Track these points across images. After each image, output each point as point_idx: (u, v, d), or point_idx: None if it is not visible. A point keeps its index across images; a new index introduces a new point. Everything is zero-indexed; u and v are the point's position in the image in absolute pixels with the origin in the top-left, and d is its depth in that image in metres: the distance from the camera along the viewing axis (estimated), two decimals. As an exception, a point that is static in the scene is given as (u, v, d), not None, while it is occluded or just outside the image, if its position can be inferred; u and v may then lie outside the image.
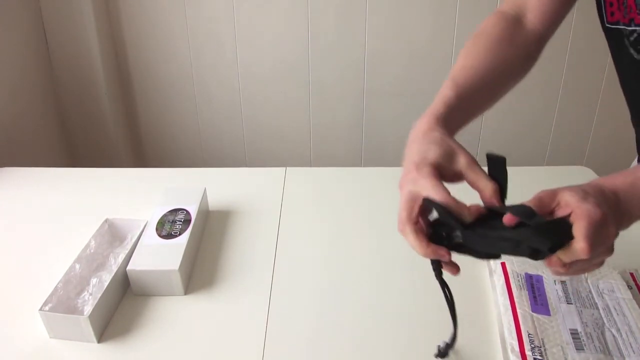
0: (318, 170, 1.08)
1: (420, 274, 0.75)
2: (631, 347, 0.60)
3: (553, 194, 0.47)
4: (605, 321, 0.63)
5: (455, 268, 0.50)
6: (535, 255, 0.45)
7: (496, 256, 0.48)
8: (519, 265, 0.73)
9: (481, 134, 1.60)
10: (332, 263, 0.78)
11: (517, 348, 0.60)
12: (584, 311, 0.65)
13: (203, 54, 1.53)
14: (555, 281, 0.70)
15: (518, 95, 1.53)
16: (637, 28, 0.59)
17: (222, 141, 1.68)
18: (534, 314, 0.64)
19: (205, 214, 0.88)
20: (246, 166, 1.70)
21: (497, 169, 0.50)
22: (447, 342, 0.59)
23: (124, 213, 0.84)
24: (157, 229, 0.77)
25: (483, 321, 0.67)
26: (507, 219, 0.45)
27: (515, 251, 0.45)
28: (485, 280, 0.73)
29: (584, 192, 0.46)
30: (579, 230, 0.44)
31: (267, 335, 0.65)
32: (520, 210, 0.45)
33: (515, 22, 0.67)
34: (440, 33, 1.47)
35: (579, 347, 0.59)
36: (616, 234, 0.46)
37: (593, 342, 0.60)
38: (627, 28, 0.61)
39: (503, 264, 0.73)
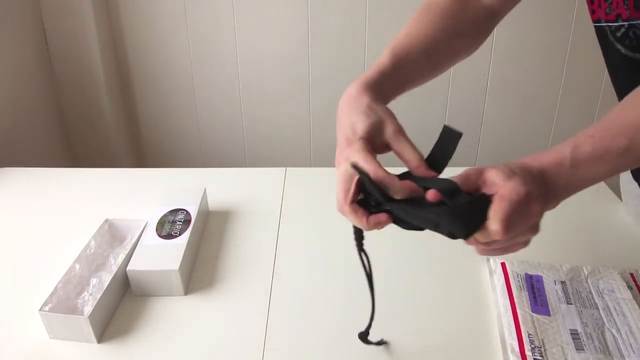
0: (318, 170, 1.08)
1: (420, 273, 0.75)
2: (631, 347, 0.60)
3: (479, 171, 0.47)
4: (605, 321, 0.63)
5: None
6: (453, 236, 0.45)
7: (422, 229, 0.48)
8: (519, 265, 0.73)
9: (481, 134, 1.60)
10: (332, 263, 0.78)
11: (517, 348, 0.60)
12: (584, 311, 0.65)
13: (203, 54, 1.53)
14: (555, 281, 0.70)
15: (518, 95, 1.54)
16: (625, 23, 0.59)
17: (222, 141, 1.68)
18: (534, 314, 0.64)
19: (205, 214, 0.88)
20: (246, 166, 1.70)
21: (447, 142, 0.50)
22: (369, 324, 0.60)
23: (124, 213, 0.84)
24: (157, 229, 0.77)
25: (483, 321, 0.67)
26: (430, 194, 0.45)
27: (436, 230, 0.46)
28: (485, 281, 0.73)
29: (510, 170, 0.46)
30: (496, 212, 0.44)
31: (267, 335, 0.65)
32: (445, 186, 0.46)
33: None
34: (440, 33, 1.47)
35: (579, 348, 0.59)
36: (541, 213, 0.46)
37: (593, 342, 0.60)
38: (611, 24, 0.61)
39: (503, 264, 0.73)
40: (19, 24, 1.31)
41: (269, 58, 1.53)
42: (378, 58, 0.59)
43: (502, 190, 0.44)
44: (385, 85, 0.56)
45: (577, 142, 0.48)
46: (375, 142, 0.51)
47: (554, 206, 0.48)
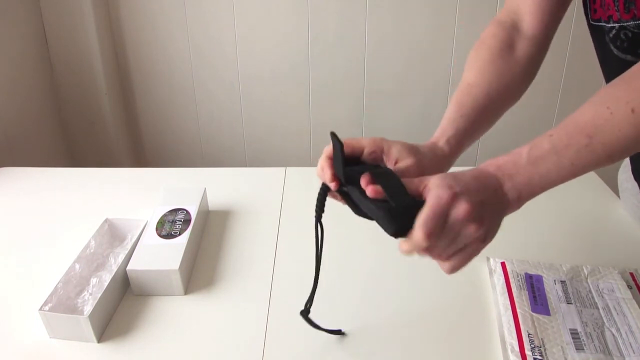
0: (318, 170, 1.08)
1: (421, 273, 0.75)
2: (631, 347, 0.60)
3: (422, 177, 0.48)
4: (605, 321, 0.63)
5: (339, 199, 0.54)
6: (385, 231, 0.47)
7: (370, 218, 0.49)
8: (518, 265, 0.73)
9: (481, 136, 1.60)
10: (332, 263, 0.78)
11: (517, 348, 0.60)
12: (584, 311, 0.65)
13: (203, 54, 1.53)
14: (555, 281, 0.70)
15: (518, 95, 1.54)
16: (616, 25, 0.59)
17: (222, 141, 1.68)
18: (534, 314, 0.64)
19: (205, 214, 0.88)
20: (246, 166, 1.70)
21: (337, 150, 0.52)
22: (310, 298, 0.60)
23: (124, 213, 0.84)
24: (157, 229, 0.77)
25: (483, 321, 0.67)
26: (370, 190, 0.46)
27: (377, 223, 0.47)
28: (485, 280, 0.73)
29: (446, 176, 0.46)
30: (419, 217, 0.44)
31: (267, 335, 0.65)
32: (389, 184, 0.47)
33: (513, 30, 0.66)
34: (440, 33, 1.47)
35: (579, 347, 0.59)
36: (484, 219, 0.45)
37: (593, 342, 0.60)
38: (606, 25, 0.61)
39: (503, 264, 0.73)
40: (19, 24, 1.31)
41: (269, 58, 1.53)
42: (449, 107, 0.61)
43: (427, 196, 0.45)
44: (460, 138, 0.58)
45: (535, 141, 0.48)
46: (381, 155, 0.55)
47: (516, 207, 0.48)
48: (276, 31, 1.50)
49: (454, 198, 0.44)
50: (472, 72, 0.63)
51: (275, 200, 0.93)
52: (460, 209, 0.44)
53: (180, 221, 0.78)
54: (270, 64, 1.54)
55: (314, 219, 0.55)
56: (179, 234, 0.75)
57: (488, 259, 0.76)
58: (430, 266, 0.77)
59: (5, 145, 1.23)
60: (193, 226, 0.77)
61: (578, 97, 1.58)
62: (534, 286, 0.69)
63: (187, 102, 1.61)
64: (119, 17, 1.48)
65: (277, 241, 0.83)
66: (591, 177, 1.00)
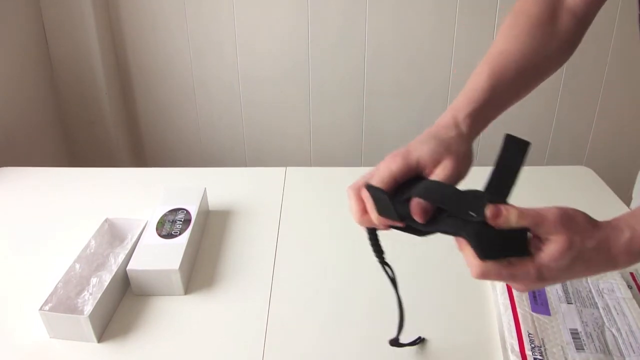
0: (318, 170, 1.08)
1: (421, 272, 0.75)
2: (631, 346, 0.60)
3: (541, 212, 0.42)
4: (605, 321, 0.63)
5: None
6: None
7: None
8: (519, 265, 0.73)
9: (481, 134, 1.60)
10: (332, 263, 0.78)
11: (517, 348, 0.60)
12: (584, 311, 0.65)
13: (203, 54, 1.53)
14: (555, 281, 0.70)
15: (518, 95, 1.54)
16: None
17: (222, 141, 1.68)
18: (534, 314, 0.64)
19: (205, 214, 0.88)
20: (246, 166, 1.70)
21: (512, 155, 0.45)
22: (398, 330, 0.59)
23: (124, 213, 0.84)
24: (157, 229, 0.77)
25: (483, 321, 0.67)
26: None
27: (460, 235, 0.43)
28: (485, 280, 0.73)
29: (579, 228, 0.41)
30: (543, 257, 0.40)
31: (267, 335, 0.65)
32: (450, 201, 0.42)
33: (556, 1, 0.60)
34: (440, 33, 1.47)
35: (579, 347, 0.59)
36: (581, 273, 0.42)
37: (593, 341, 0.60)
38: None
39: (503, 264, 0.73)
40: (19, 24, 1.31)
41: (269, 58, 1.53)
42: (476, 78, 0.54)
43: (542, 251, 0.41)
44: (485, 111, 0.53)
45: None
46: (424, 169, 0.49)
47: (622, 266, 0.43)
48: (276, 31, 1.50)
49: (570, 249, 0.41)
50: (506, 40, 0.57)
51: (275, 200, 0.93)
52: (572, 267, 0.41)
53: (181, 221, 0.78)
54: (271, 64, 1.54)
55: (376, 259, 0.53)
56: (179, 234, 0.75)
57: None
58: (431, 266, 0.77)
59: (6, 145, 1.23)
60: (193, 226, 0.77)
61: (578, 97, 1.58)
62: (534, 286, 0.69)
63: (187, 102, 1.61)
64: (119, 17, 1.48)
65: (277, 241, 0.83)
66: (592, 177, 1.00)
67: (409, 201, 0.44)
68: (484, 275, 0.42)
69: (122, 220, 0.81)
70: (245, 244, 0.82)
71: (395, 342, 0.60)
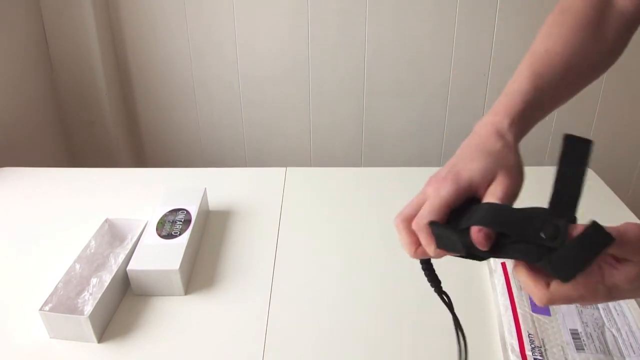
0: (318, 170, 1.08)
1: (421, 274, 0.75)
2: (631, 347, 0.60)
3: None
4: (606, 321, 0.63)
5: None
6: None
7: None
8: (519, 265, 0.73)
9: (481, 134, 1.60)
10: (332, 263, 0.78)
11: (517, 348, 0.60)
12: (584, 311, 0.65)
13: (203, 54, 1.53)
14: (555, 281, 0.70)
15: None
16: None
17: (222, 141, 1.68)
18: (534, 314, 0.64)
19: (206, 214, 0.88)
20: (246, 166, 1.70)
21: (574, 158, 0.40)
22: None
23: (124, 213, 0.84)
24: (157, 229, 0.77)
25: (483, 321, 0.67)
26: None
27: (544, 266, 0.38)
28: (485, 280, 0.73)
29: None
30: (618, 276, 0.37)
31: (267, 335, 0.65)
32: (518, 228, 0.38)
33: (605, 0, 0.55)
34: (440, 33, 1.47)
35: (579, 347, 0.59)
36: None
37: (593, 342, 0.60)
38: None
39: (503, 264, 0.73)
40: (19, 24, 1.31)
41: (269, 58, 1.53)
42: (518, 79, 0.50)
43: (617, 270, 0.37)
44: (528, 117, 0.49)
45: None
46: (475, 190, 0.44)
47: None
48: (276, 31, 1.50)
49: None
50: (550, 38, 0.53)
51: (275, 200, 0.93)
52: None
53: (181, 221, 0.78)
54: (271, 64, 1.54)
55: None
56: (179, 234, 0.75)
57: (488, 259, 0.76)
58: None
59: (6, 145, 1.23)
60: (193, 226, 0.77)
61: (577, 96, 1.58)
62: (534, 286, 0.69)
63: (187, 102, 1.61)
64: (119, 18, 1.48)
65: (277, 241, 0.83)
66: (592, 177, 1.00)
67: (468, 229, 0.40)
68: (552, 302, 0.39)
69: (122, 220, 0.81)
70: (245, 244, 0.82)
71: None
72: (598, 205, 0.92)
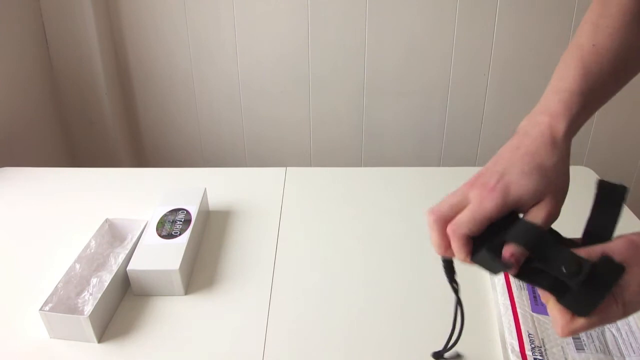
0: (318, 170, 1.08)
1: (420, 274, 0.75)
2: (631, 347, 0.60)
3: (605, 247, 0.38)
4: (606, 321, 0.63)
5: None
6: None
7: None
8: (519, 265, 0.73)
9: (481, 134, 1.60)
10: (332, 263, 0.78)
11: (517, 348, 0.60)
12: (584, 311, 0.65)
13: (203, 54, 1.53)
14: (555, 281, 0.70)
15: (518, 95, 1.54)
16: None
17: (222, 141, 1.68)
18: (534, 314, 0.64)
19: (206, 214, 0.88)
20: (246, 166, 1.70)
21: (608, 203, 0.41)
22: (446, 345, 0.59)
23: (124, 213, 0.84)
24: (157, 229, 0.77)
25: (483, 321, 0.67)
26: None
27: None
28: (485, 280, 0.73)
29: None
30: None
31: (267, 335, 0.65)
32: (553, 257, 0.38)
33: None
34: (441, 33, 1.47)
35: (579, 347, 0.59)
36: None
37: (593, 342, 0.60)
38: None
39: (503, 264, 0.73)
40: (19, 24, 1.31)
41: (269, 58, 1.53)
42: (568, 74, 0.48)
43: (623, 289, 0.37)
44: (582, 120, 0.47)
45: None
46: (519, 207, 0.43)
47: None
48: (276, 31, 1.50)
49: None
50: (597, 31, 0.50)
51: (275, 200, 0.93)
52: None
53: (181, 221, 0.78)
54: (271, 63, 1.54)
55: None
56: (179, 234, 0.75)
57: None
58: (430, 265, 0.77)
59: (6, 145, 1.23)
60: (193, 226, 0.77)
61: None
62: (534, 286, 0.69)
63: (187, 102, 1.61)
64: (119, 17, 1.48)
65: (277, 241, 0.83)
66: (592, 177, 1.00)
67: (500, 243, 0.40)
68: (574, 333, 0.39)
69: (122, 220, 0.81)
70: (245, 244, 0.82)
71: (438, 355, 0.59)
72: (598, 205, 0.92)
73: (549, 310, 0.40)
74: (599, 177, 0.42)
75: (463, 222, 0.41)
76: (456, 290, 0.50)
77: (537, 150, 0.44)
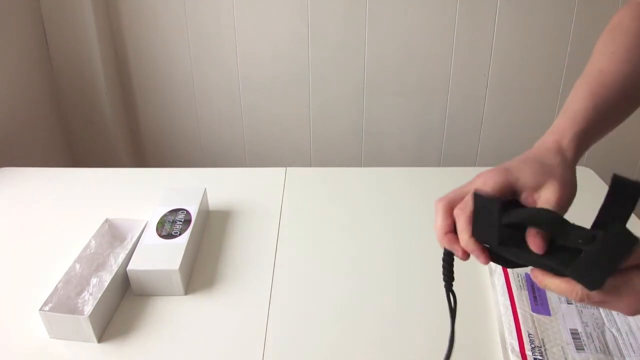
0: (318, 170, 1.09)
1: (420, 273, 0.75)
2: (631, 347, 0.60)
3: None
4: (606, 321, 0.63)
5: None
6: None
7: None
8: (519, 265, 0.73)
9: (481, 134, 1.60)
10: (332, 263, 0.78)
11: (517, 348, 0.60)
12: (584, 311, 0.65)
13: (203, 54, 1.53)
14: (555, 281, 0.70)
15: (518, 95, 1.54)
16: None
17: (222, 141, 1.68)
18: (534, 314, 0.64)
19: (206, 214, 0.88)
20: (246, 166, 1.70)
21: (620, 199, 0.41)
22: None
23: (124, 213, 0.84)
24: (157, 229, 0.76)
25: (483, 321, 0.67)
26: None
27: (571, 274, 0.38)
28: (485, 280, 0.73)
29: None
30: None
31: (267, 335, 0.65)
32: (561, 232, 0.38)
33: None
34: (441, 34, 1.47)
35: (579, 347, 0.59)
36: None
37: (593, 342, 0.60)
38: None
39: (503, 264, 0.73)
40: (19, 24, 1.31)
41: (269, 57, 1.53)
42: (577, 98, 0.50)
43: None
44: (589, 136, 0.49)
45: None
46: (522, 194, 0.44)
47: None
48: (276, 32, 1.50)
49: None
50: (604, 58, 0.53)
51: (275, 200, 0.93)
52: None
53: (181, 221, 0.78)
54: (271, 63, 1.54)
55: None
56: (179, 234, 0.75)
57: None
58: (430, 265, 0.77)
59: (6, 145, 1.23)
60: (193, 226, 0.77)
61: (578, 97, 1.58)
62: (534, 286, 0.69)
63: (187, 102, 1.61)
64: (119, 17, 1.48)
65: (277, 241, 0.83)
66: (592, 177, 1.00)
67: (509, 226, 0.40)
68: (591, 299, 0.38)
69: (122, 220, 0.81)
70: (245, 244, 0.82)
71: None
72: (598, 205, 0.91)
73: (555, 287, 0.40)
74: (614, 172, 0.42)
75: (469, 202, 0.43)
76: (449, 287, 0.50)
77: (541, 154, 0.47)
